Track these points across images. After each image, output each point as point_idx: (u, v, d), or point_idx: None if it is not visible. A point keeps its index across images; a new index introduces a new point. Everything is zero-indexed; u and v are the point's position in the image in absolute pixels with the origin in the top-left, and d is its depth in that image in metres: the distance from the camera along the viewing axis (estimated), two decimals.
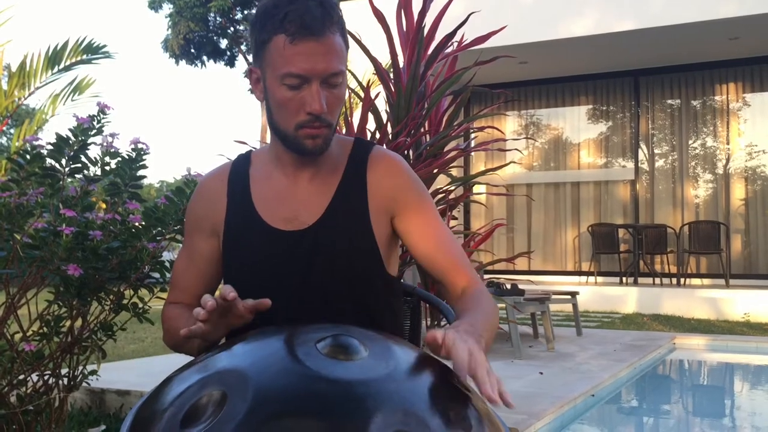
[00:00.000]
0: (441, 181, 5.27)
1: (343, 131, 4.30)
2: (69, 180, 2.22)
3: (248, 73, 1.39)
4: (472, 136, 8.80)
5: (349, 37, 1.40)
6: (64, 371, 2.35)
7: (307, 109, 1.29)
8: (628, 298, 9.06)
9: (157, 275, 2.31)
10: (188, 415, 0.91)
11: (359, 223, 1.38)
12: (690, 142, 10.50)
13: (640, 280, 10.11)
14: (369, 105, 4.18)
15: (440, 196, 4.35)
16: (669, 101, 10.68)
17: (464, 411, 0.96)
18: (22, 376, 2.20)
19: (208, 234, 1.45)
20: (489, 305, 1.38)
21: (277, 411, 0.87)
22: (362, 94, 4.24)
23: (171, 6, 24.10)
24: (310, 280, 1.35)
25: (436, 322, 4.56)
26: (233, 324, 1.24)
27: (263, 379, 0.92)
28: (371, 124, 4.46)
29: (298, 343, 1.00)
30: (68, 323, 2.24)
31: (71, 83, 4.68)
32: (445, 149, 4.30)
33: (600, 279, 10.28)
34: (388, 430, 0.86)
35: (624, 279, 10.16)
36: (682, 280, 9.81)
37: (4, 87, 4.44)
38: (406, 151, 4.14)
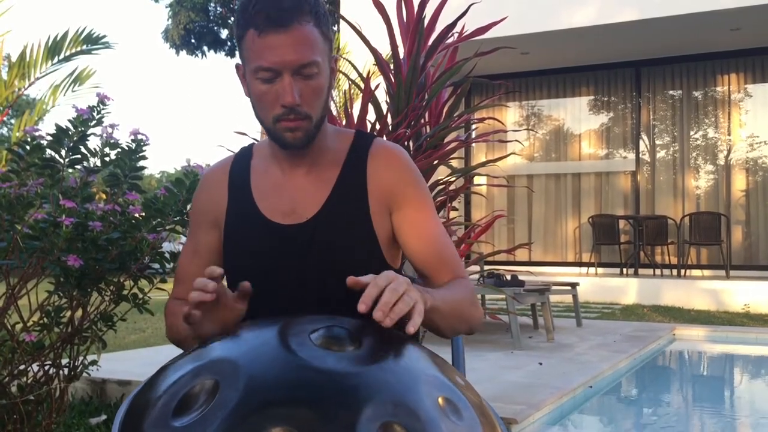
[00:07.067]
0: (441, 172, 5.27)
1: (343, 123, 4.30)
2: (69, 171, 2.23)
3: (236, 69, 1.38)
4: (473, 127, 8.79)
5: (345, 25, 1.39)
6: (64, 361, 2.36)
7: (281, 101, 1.27)
8: (628, 289, 9.07)
9: (157, 266, 2.31)
10: (181, 404, 0.92)
11: (359, 216, 1.37)
12: (691, 133, 10.49)
13: (641, 271, 10.12)
14: (369, 96, 4.17)
15: (440, 187, 4.34)
16: (670, 92, 10.66)
17: (456, 403, 0.97)
18: (22, 367, 2.21)
19: (211, 226, 1.45)
20: (461, 289, 1.36)
21: (268, 400, 0.87)
22: (362, 85, 4.23)
23: None
24: (308, 274, 1.35)
25: None
26: (225, 317, 1.20)
27: (255, 369, 0.93)
28: (371, 115, 4.46)
29: (292, 334, 1.01)
30: (68, 314, 2.25)
31: (71, 74, 4.67)
32: (446, 140, 4.29)
33: (600, 270, 10.28)
34: (378, 421, 0.86)
35: (624, 270, 10.17)
36: (682, 271, 9.81)
37: (4, 77, 4.44)
38: (406, 143, 4.14)
